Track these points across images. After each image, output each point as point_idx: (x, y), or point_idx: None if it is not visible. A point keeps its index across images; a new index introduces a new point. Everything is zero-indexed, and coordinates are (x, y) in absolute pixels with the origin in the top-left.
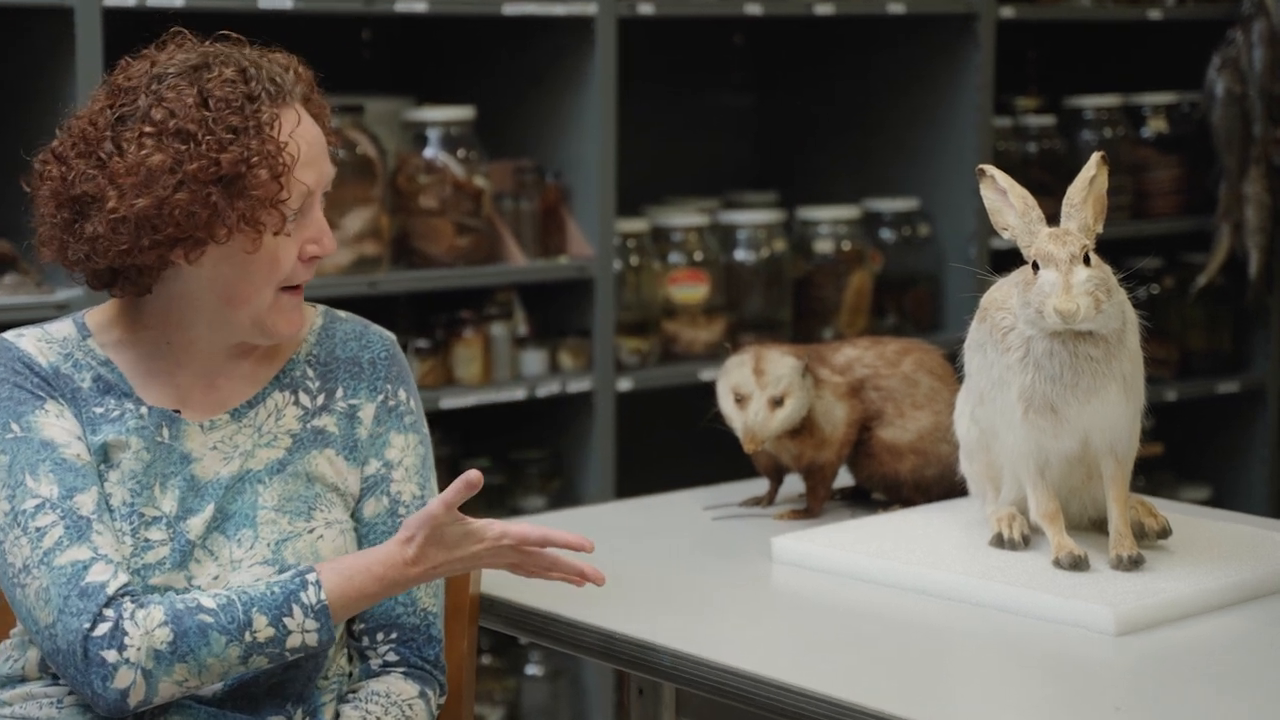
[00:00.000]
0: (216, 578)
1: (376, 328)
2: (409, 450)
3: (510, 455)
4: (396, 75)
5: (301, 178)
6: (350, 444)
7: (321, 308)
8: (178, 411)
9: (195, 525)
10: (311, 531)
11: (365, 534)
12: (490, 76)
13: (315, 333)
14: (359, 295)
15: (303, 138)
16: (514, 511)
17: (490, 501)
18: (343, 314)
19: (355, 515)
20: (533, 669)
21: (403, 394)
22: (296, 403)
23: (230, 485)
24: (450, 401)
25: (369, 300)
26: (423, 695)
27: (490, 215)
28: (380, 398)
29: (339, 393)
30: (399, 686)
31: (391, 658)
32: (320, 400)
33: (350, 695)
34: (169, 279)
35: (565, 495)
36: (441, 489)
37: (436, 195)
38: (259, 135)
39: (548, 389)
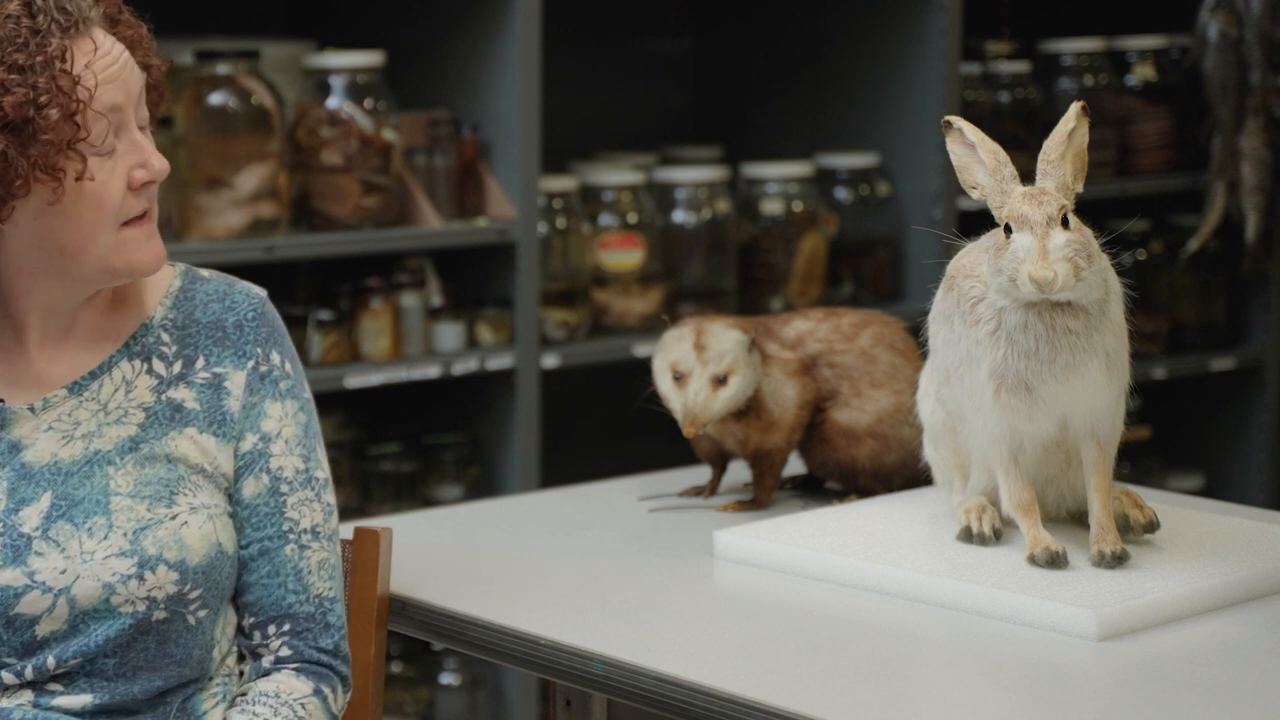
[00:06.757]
0: (64, 571)
1: (244, 285)
2: (288, 419)
3: (423, 440)
4: (296, 17)
5: (102, 107)
6: (217, 419)
7: (181, 267)
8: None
9: (30, 516)
10: (174, 518)
11: (247, 517)
12: (400, 19)
13: (172, 295)
14: (254, 261)
15: (100, 65)
16: (427, 502)
17: (402, 492)
18: (206, 273)
19: (234, 498)
20: (448, 678)
21: (276, 357)
22: (150, 371)
23: (73, 470)
24: (356, 380)
25: (266, 266)
26: (318, 693)
27: (400, 173)
28: (250, 364)
29: (199, 362)
30: (290, 685)
31: (285, 653)
32: (177, 368)
33: (239, 699)
34: None
35: (484, 484)
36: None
37: (341, 150)
38: (47, 71)
39: (465, 366)
